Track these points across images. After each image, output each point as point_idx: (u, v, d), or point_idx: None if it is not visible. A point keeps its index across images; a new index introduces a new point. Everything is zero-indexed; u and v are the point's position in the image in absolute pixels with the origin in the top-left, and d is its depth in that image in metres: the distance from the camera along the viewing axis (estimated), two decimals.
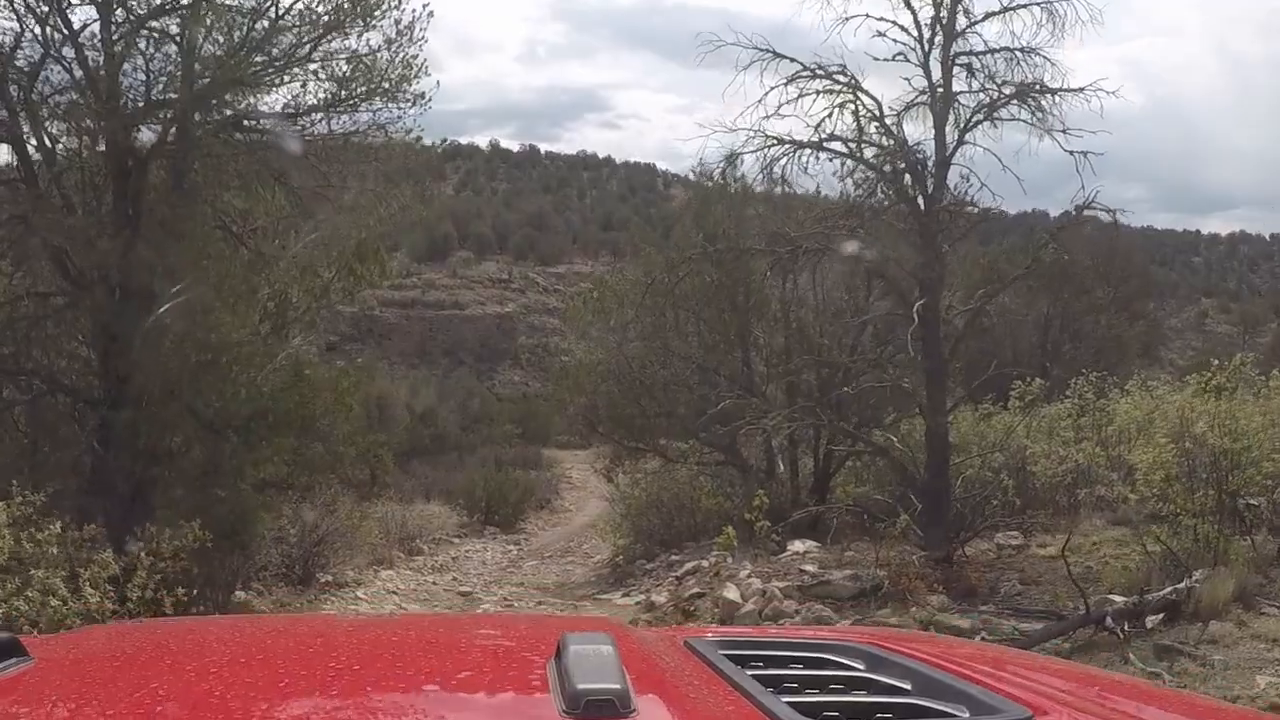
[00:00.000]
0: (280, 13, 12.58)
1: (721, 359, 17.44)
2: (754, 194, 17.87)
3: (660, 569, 15.73)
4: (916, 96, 12.19)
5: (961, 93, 12.26)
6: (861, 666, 1.67)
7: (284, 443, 12.90)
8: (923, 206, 12.24)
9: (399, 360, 63.79)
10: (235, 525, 11.76)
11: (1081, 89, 11.92)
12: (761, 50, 12.14)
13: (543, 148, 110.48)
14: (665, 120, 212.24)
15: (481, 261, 77.54)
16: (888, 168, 11.96)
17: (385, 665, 1.59)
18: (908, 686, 1.55)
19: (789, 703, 1.34)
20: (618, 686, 1.24)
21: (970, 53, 12.26)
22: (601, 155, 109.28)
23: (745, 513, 14.43)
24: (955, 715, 1.39)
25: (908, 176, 11.93)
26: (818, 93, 12.07)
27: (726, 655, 1.60)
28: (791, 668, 1.66)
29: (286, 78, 13.07)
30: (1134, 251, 40.13)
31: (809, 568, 12.92)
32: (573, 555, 22.33)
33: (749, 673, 1.50)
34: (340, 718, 1.32)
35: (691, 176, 18.13)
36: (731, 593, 11.64)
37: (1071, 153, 12.29)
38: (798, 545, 15.30)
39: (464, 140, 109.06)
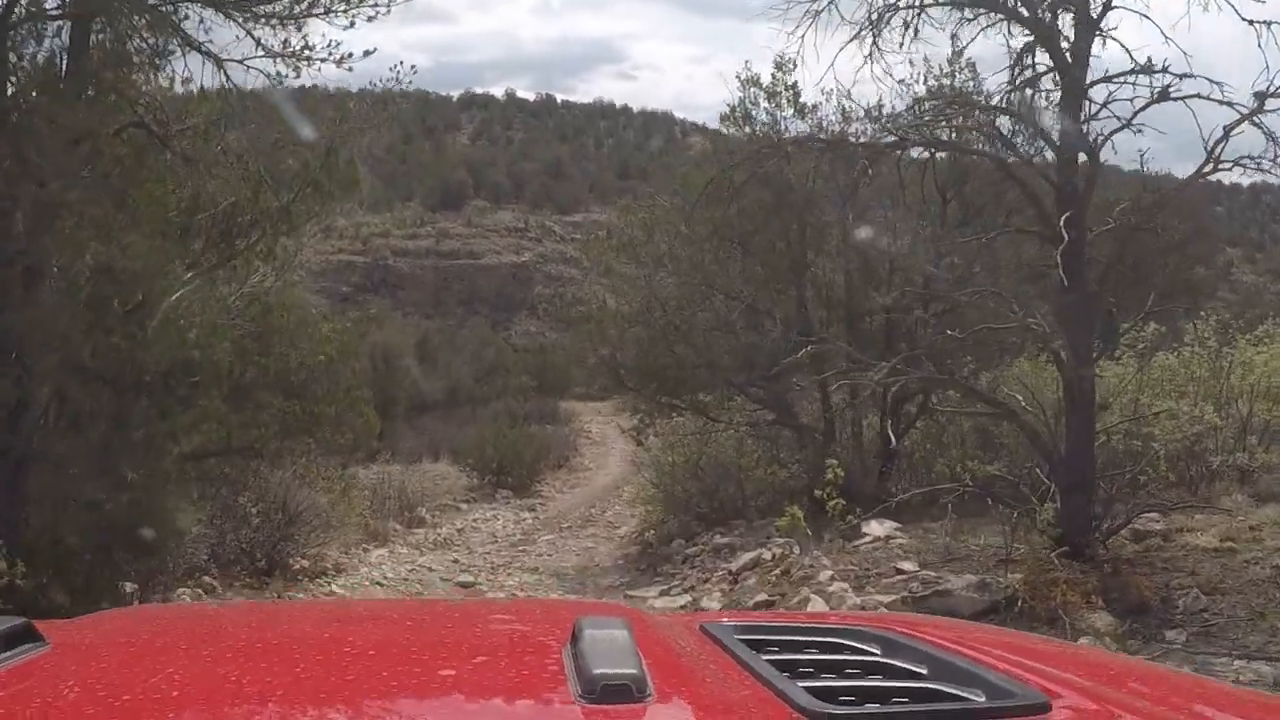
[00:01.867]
0: None
1: (775, 298, 14.08)
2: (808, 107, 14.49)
3: (705, 556, 12.48)
4: None
5: None
6: (877, 651, 1.58)
7: (212, 405, 9.63)
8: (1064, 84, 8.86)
9: (413, 310, 60.68)
10: (141, 517, 8.51)
11: None
12: None
13: (559, 98, 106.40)
14: (681, 71, 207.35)
15: (497, 210, 74.09)
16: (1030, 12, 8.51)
17: (401, 650, 1.56)
18: (924, 671, 1.47)
19: (805, 687, 1.28)
20: (634, 671, 1.21)
21: None
22: (619, 104, 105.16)
23: (816, 488, 11.20)
24: (971, 699, 1.32)
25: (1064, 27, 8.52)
26: None
27: (742, 640, 1.54)
28: (807, 652, 1.57)
29: None
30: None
31: (907, 565, 9.66)
32: (594, 526, 19.11)
33: (765, 658, 1.44)
34: (357, 703, 1.26)
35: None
36: (819, 608, 8.38)
37: (1252, 23, 8.93)
38: (875, 527, 12.04)
39: (479, 90, 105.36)
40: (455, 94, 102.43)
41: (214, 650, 1.54)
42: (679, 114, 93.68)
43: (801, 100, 14.56)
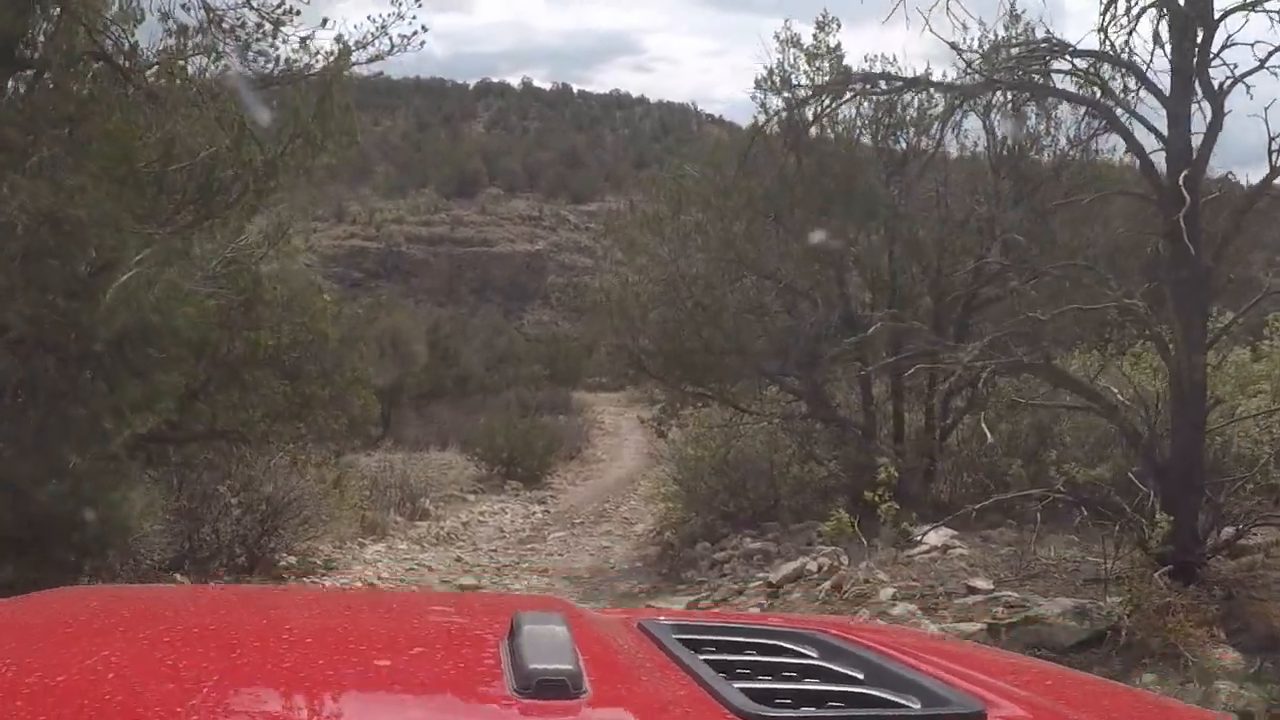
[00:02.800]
0: None
1: (814, 278, 12.60)
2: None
3: (736, 562, 11.06)
4: None
5: None
6: (814, 654, 1.58)
7: (169, 381, 8.21)
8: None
9: (425, 297, 59.28)
10: (82, 508, 7.07)
11: None
12: None
13: (575, 88, 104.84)
14: (697, 64, 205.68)
15: (512, 198, 72.60)
16: None
17: (338, 640, 1.55)
18: (860, 676, 1.46)
19: (741, 688, 1.26)
20: (570, 667, 1.19)
21: None
22: (635, 95, 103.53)
23: (864, 489, 9.77)
24: (907, 706, 1.32)
25: None
26: None
27: (680, 639, 1.53)
28: (745, 654, 1.56)
29: None
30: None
31: (979, 583, 8.24)
32: (609, 522, 17.68)
33: (702, 658, 1.43)
34: (292, 691, 1.23)
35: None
36: None
37: None
38: (931, 536, 10.63)
39: (495, 79, 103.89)
40: (471, 83, 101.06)
41: (151, 633, 1.51)
42: (696, 105, 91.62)
43: (846, 64, 13.11)
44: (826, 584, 8.72)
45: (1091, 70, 7.93)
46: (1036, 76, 7.89)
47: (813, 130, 13.15)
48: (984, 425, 10.72)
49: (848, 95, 9.53)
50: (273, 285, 12.80)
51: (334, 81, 9.76)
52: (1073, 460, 8.83)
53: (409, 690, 1.28)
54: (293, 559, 11.74)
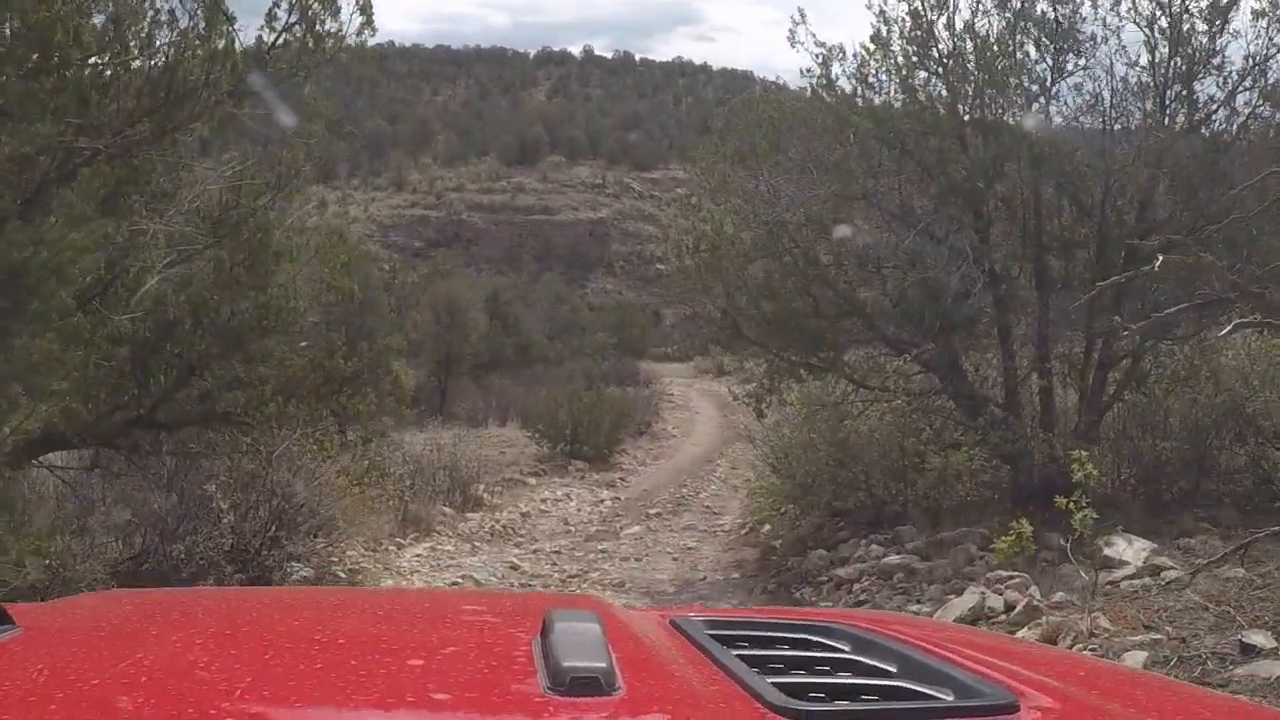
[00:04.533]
0: None
1: (956, 221, 9.82)
2: None
3: (870, 581, 8.37)
4: None
5: None
6: (847, 648, 1.54)
7: (48, 348, 5.69)
8: None
9: (486, 266, 57.06)
10: None
11: None
12: None
13: (637, 56, 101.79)
14: (760, 34, 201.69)
15: (574, 166, 69.93)
16: None
17: (371, 640, 1.51)
18: (893, 669, 1.43)
19: (775, 683, 1.24)
20: (603, 665, 1.16)
21: None
22: (697, 62, 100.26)
23: (1059, 495, 7.14)
24: (940, 698, 1.28)
25: None
26: None
27: (712, 635, 1.49)
28: (777, 649, 1.53)
29: None
30: None
31: (1258, 638, 5.48)
32: (689, 511, 15.07)
33: (735, 653, 1.39)
34: (324, 692, 1.21)
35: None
36: None
37: None
38: (1121, 546, 7.95)
39: (556, 48, 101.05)
40: (532, 51, 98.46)
41: (184, 636, 1.49)
42: (759, 73, 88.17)
43: None
44: (1026, 631, 6.04)
45: None
46: None
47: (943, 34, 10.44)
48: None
49: None
50: (287, 235, 10.37)
51: None
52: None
53: (442, 690, 1.22)
54: (308, 571, 9.28)
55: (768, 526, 12.05)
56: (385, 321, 21.82)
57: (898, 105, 10.15)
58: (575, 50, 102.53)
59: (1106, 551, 7.80)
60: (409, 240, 59.37)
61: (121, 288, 8.47)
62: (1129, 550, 7.87)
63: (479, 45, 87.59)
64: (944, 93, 10.37)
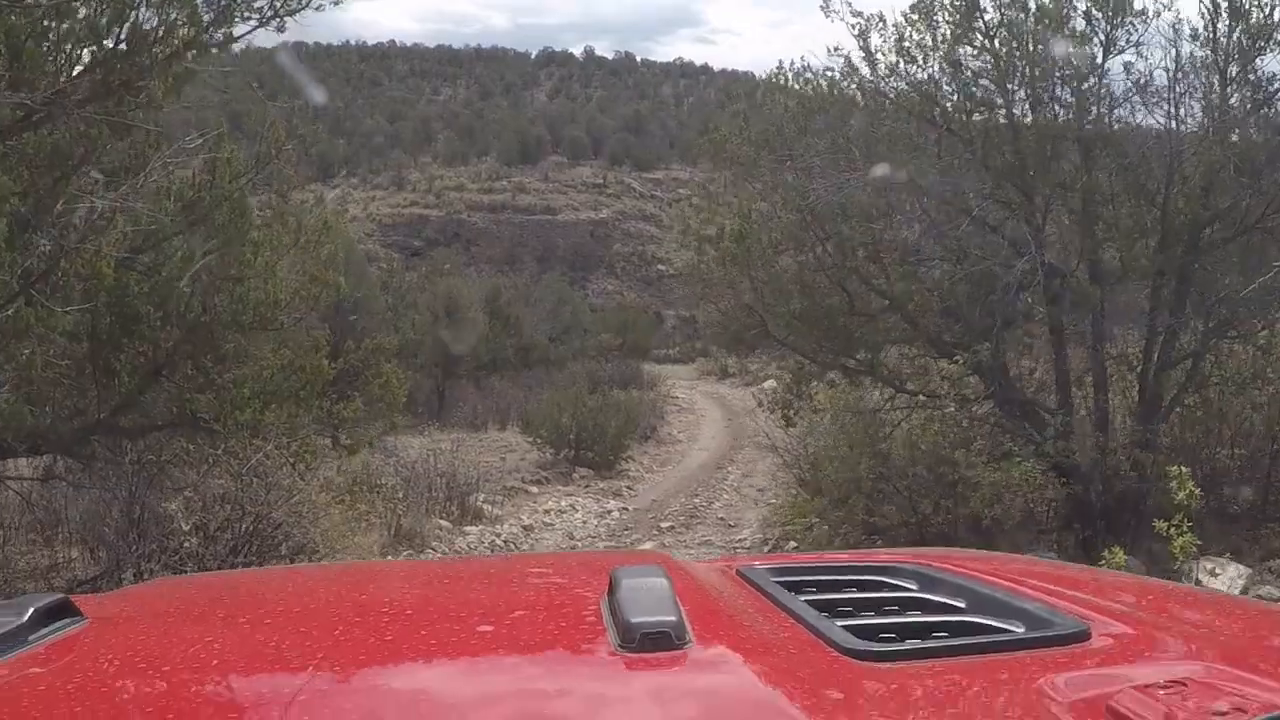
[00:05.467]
0: None
1: (1011, 208, 8.75)
2: None
3: None
4: None
5: None
6: (914, 587, 1.53)
7: None
8: None
9: (487, 266, 55.94)
10: None
11: None
12: None
13: (638, 57, 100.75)
14: (760, 35, 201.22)
15: (575, 166, 68.83)
16: None
17: (438, 609, 1.51)
18: (962, 604, 1.43)
19: (844, 626, 1.25)
20: (673, 618, 1.15)
21: None
22: (698, 63, 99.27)
23: (1158, 520, 6.12)
24: (1010, 630, 1.28)
25: None
26: None
27: (779, 582, 1.48)
28: (845, 592, 1.52)
29: None
30: None
31: None
32: (703, 524, 13.99)
33: (803, 599, 1.39)
34: (398, 662, 1.21)
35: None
36: None
37: None
38: (1206, 567, 6.93)
39: (557, 49, 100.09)
40: (533, 52, 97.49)
41: (252, 616, 1.49)
42: (760, 74, 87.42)
43: None
44: None
45: None
46: None
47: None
48: None
49: None
50: (268, 223, 9.38)
51: None
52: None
53: (513, 654, 1.24)
54: None
55: (793, 543, 11.01)
56: (382, 322, 20.76)
57: (942, 81, 9.11)
58: (577, 51, 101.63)
59: (1199, 574, 6.79)
60: (408, 239, 58.34)
61: (73, 275, 7.43)
62: (1223, 577, 6.85)
63: (479, 45, 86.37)
64: (991, 67, 9.34)
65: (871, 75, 9.24)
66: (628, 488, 17.48)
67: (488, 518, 13.55)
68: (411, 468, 13.09)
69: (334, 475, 9.25)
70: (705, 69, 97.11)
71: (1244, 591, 6.64)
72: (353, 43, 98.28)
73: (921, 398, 9.22)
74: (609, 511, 15.15)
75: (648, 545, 12.30)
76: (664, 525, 13.74)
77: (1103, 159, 9.46)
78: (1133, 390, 10.00)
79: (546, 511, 14.72)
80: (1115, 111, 9.62)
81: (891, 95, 9.04)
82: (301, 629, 1.36)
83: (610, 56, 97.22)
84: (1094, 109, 9.21)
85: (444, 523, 12.43)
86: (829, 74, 9.24)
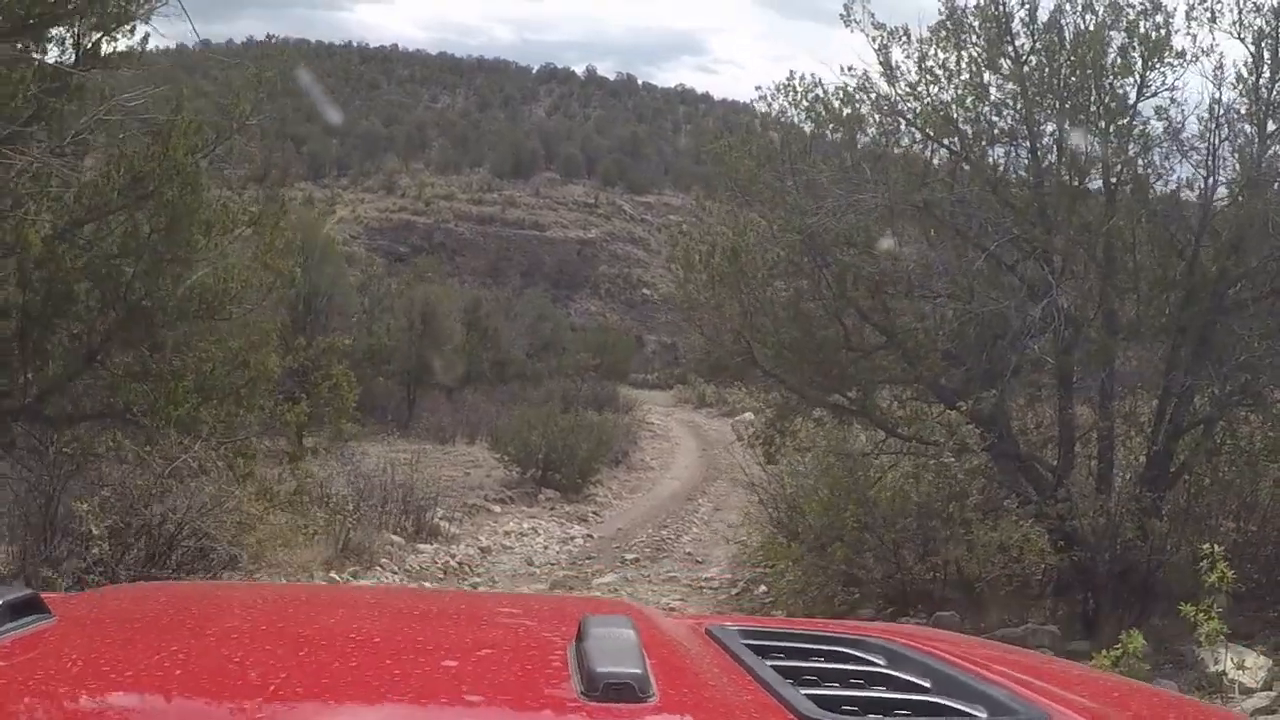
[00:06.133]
0: None
1: (1029, 246, 8.07)
2: None
3: None
4: None
5: None
6: (882, 662, 1.52)
7: None
8: None
9: (470, 277, 55.03)
10: None
11: None
12: None
13: (639, 80, 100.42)
14: (762, 69, 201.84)
15: (567, 183, 68.11)
16: None
17: (406, 640, 1.49)
18: (927, 684, 1.41)
19: (808, 695, 1.23)
20: (638, 671, 1.14)
21: None
22: (699, 91, 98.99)
23: (1176, 599, 5.44)
24: (973, 715, 1.26)
25: None
26: None
27: (748, 645, 1.48)
28: (812, 660, 1.51)
29: None
30: None
31: None
32: (669, 557, 13.25)
33: (769, 663, 1.38)
34: (359, 691, 1.19)
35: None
36: None
37: None
38: (1228, 660, 6.21)
39: (560, 66, 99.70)
40: (535, 66, 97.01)
41: (218, 630, 1.46)
42: (761, 107, 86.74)
43: None
44: None
45: None
46: None
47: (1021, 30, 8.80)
48: None
49: None
50: (220, 202, 8.67)
51: None
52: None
53: (476, 692, 1.21)
54: None
55: (763, 587, 10.29)
56: (356, 325, 19.96)
57: (966, 103, 8.44)
58: (579, 69, 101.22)
59: (1215, 667, 6.09)
60: (394, 245, 57.50)
61: None
62: (1246, 669, 6.14)
63: (481, 56, 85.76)
64: (1018, 97, 8.69)
65: (890, 93, 8.57)
66: (594, 513, 16.73)
67: (444, 536, 12.77)
68: (368, 478, 12.28)
69: (275, 483, 8.45)
70: (706, 97, 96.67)
71: (1263, 683, 5.94)
72: (355, 44, 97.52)
73: (915, 444, 8.51)
74: (572, 538, 14.40)
75: (610, 577, 11.53)
76: (628, 556, 12.99)
77: (1130, 204, 8.83)
78: (1139, 453, 9.32)
79: (507, 533, 13.95)
80: (1149, 154, 9.00)
81: (909, 116, 8.37)
82: (267, 648, 1.34)
83: (612, 77, 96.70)
84: (1126, 149, 8.55)
85: (396, 538, 11.64)
86: (843, 89, 8.55)
